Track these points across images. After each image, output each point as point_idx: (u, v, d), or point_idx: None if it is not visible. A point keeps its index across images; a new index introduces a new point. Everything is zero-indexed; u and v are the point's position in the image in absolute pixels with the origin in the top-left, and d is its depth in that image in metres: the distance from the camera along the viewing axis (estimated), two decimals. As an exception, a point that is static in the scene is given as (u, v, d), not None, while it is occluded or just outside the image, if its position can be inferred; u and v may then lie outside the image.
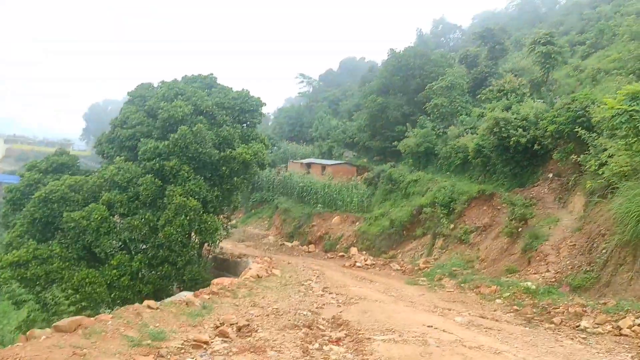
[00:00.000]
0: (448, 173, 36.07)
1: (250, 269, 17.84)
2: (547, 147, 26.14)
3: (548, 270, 16.70)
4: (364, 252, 32.37)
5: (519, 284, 13.81)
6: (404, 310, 11.09)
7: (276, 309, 10.48)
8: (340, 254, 32.93)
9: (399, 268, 23.15)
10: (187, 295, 10.77)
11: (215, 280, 13.82)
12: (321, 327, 9.22)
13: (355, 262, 24.27)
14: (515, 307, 12.04)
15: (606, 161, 15.39)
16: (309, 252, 35.86)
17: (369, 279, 17.97)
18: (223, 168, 27.33)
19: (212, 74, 30.13)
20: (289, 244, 38.50)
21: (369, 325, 9.26)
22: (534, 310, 11.45)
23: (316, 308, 11.28)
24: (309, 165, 50.89)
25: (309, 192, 43.64)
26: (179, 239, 25.51)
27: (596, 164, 15.89)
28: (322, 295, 13.27)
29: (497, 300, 12.98)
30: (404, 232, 33.20)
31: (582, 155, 19.55)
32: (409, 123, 43.12)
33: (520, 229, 22.43)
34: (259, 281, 14.80)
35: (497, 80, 33.71)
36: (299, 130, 65.25)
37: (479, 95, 36.32)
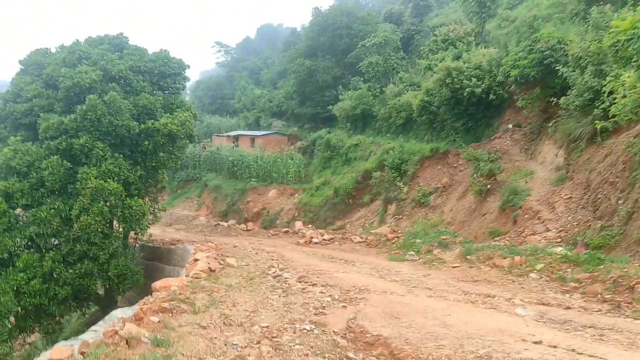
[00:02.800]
0: (389, 135, 33.35)
1: (196, 259, 13.97)
2: (503, 96, 23.84)
3: (548, 230, 14.09)
4: (309, 226, 29.18)
5: (547, 251, 11.03)
6: (442, 308, 7.86)
7: (266, 327, 6.85)
8: (284, 229, 29.47)
9: (360, 240, 20.02)
10: (123, 318, 6.92)
11: (157, 284, 9.99)
12: (350, 354, 5.82)
13: (312, 237, 20.88)
14: (572, 284, 9.17)
15: (613, 98, 12.75)
16: (248, 230, 32.12)
17: (341, 259, 14.70)
18: (145, 142, 22.80)
19: (122, 34, 25.11)
20: (225, 224, 34.52)
21: (432, 348, 5.91)
22: (605, 287, 8.63)
23: (314, 315, 7.80)
24: (236, 137, 46.63)
25: (240, 166, 39.62)
26: (98, 229, 20.94)
27: (608, 99, 13.20)
28: (305, 289, 9.83)
29: (532, 275, 10.09)
30: (350, 200, 30.33)
31: (562, 98, 17.06)
32: (341, 86, 39.93)
33: (489, 186, 19.95)
34: (215, 277, 11.09)
35: (440, 29, 31.05)
36: (220, 102, 60.32)
37: (422, 47, 33.51)
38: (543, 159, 20.03)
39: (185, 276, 12.22)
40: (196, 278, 11.49)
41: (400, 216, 24.66)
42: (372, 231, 22.77)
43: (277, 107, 49.22)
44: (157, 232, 32.18)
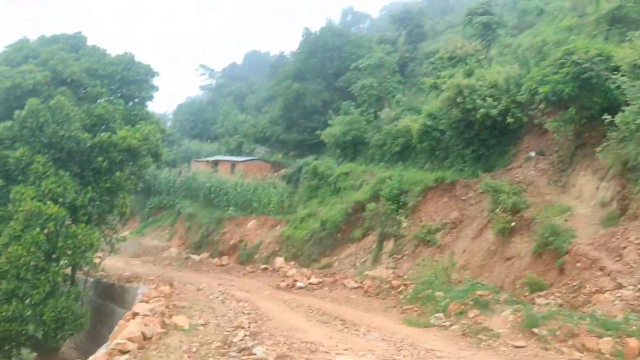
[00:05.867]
0: (383, 163, 29.50)
1: (135, 314, 9.66)
2: (521, 119, 20.20)
3: (621, 286, 10.09)
4: (292, 263, 24.95)
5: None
6: None
7: None
8: (263, 266, 25.19)
9: (355, 285, 15.86)
10: None
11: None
12: None
13: (295, 280, 16.66)
14: None
15: None
16: (222, 265, 27.73)
17: (337, 317, 10.51)
18: (99, 159, 18.55)
19: (80, 32, 21.13)
20: (196, 257, 30.04)
21: None
22: None
23: None
24: (215, 163, 42.42)
25: (218, 194, 35.27)
26: (31, 262, 16.56)
27: None
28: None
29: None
30: (339, 234, 26.09)
31: (618, 115, 13.30)
32: (331, 111, 36.20)
33: (513, 223, 16.02)
34: (144, 357, 6.89)
35: (446, 46, 27.57)
36: (202, 127, 56.11)
37: (424, 65, 29.96)
38: (579, 192, 16.18)
39: (108, 348, 7.93)
40: (120, 352, 7.21)
41: (400, 255, 20.53)
42: (367, 273, 18.62)
43: (261, 133, 45.27)
44: (119, 265, 27.70)
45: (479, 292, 11.15)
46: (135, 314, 9.86)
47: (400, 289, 14.05)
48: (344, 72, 37.99)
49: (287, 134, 41.08)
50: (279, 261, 24.83)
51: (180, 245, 35.37)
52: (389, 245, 21.98)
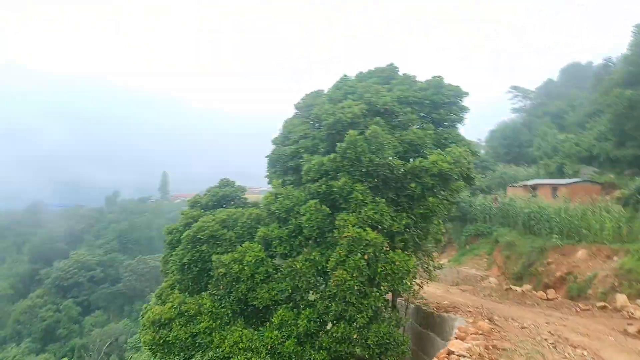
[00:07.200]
0: None
1: (448, 354, 8.41)
2: None
3: None
4: (639, 301, 20.21)
5: None
6: None
7: None
8: (600, 303, 21.08)
9: None
10: None
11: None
12: None
13: (650, 326, 12.99)
14: None
15: None
16: (549, 300, 24.38)
17: None
18: (412, 185, 18.28)
19: (392, 64, 21.69)
20: (518, 289, 27.27)
21: None
22: None
23: None
24: (534, 187, 38.79)
25: (539, 220, 31.79)
26: (354, 286, 17.02)
27: None
28: None
29: None
30: None
31: None
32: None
33: None
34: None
35: None
36: (517, 151, 52.67)
37: None
38: None
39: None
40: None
41: None
42: None
43: (586, 152, 39.66)
44: (438, 292, 27.21)
45: None
46: (450, 353, 8.59)
47: None
48: (696, 67, 30.41)
49: (619, 150, 34.92)
50: (621, 299, 20.44)
51: (500, 275, 33.01)
52: None
